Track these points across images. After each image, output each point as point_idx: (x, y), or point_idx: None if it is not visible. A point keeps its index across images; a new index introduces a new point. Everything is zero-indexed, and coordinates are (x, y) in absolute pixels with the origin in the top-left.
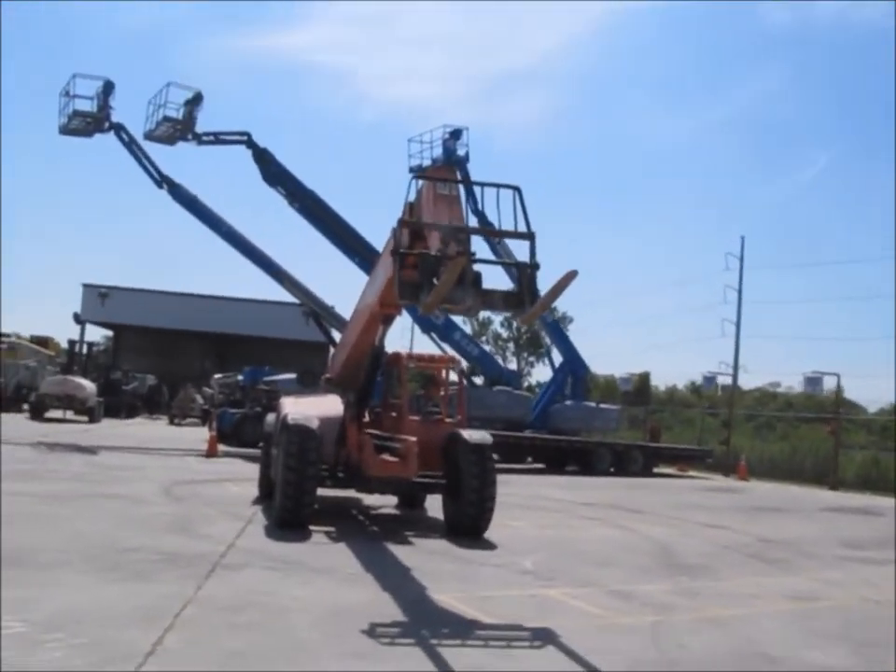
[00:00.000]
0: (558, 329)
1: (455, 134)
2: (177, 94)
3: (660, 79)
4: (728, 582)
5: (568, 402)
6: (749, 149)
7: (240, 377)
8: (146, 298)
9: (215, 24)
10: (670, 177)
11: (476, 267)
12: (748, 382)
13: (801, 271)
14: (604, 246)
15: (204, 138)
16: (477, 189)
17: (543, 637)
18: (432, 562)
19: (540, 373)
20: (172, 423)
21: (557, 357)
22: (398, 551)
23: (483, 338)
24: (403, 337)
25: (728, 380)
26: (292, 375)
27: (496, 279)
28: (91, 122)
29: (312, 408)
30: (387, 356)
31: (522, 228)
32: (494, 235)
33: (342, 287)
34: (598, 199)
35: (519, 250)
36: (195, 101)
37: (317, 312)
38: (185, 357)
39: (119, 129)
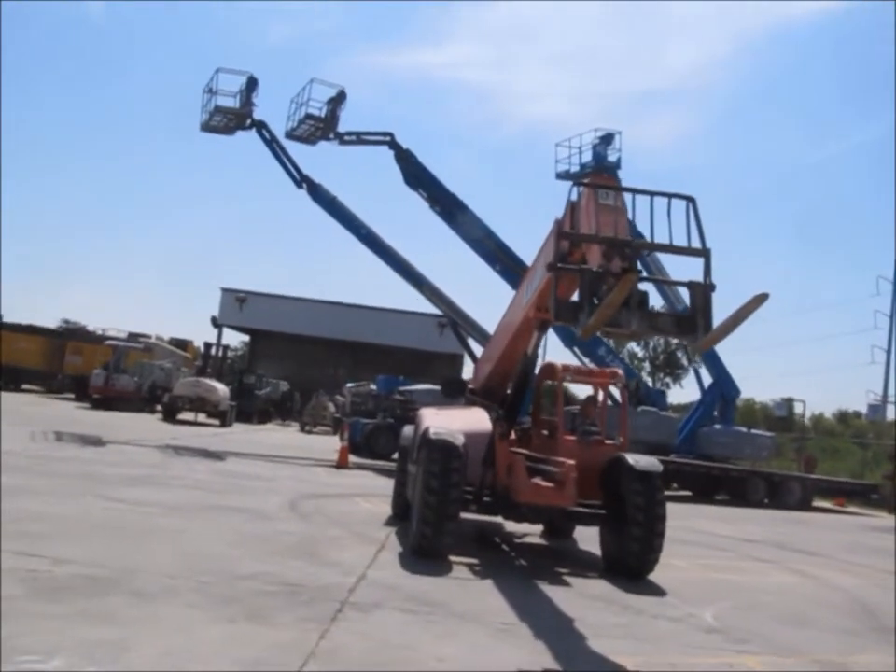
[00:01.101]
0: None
1: (607, 139)
2: (320, 92)
3: (797, 102)
4: None
5: (718, 426)
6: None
7: (373, 386)
8: (282, 304)
9: (358, 38)
10: (819, 198)
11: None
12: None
13: None
14: (746, 266)
15: (347, 138)
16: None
17: None
18: (595, 611)
19: (676, 396)
20: (303, 430)
21: (705, 379)
22: (553, 594)
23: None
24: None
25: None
26: (429, 386)
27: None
28: (233, 119)
29: (455, 422)
30: (541, 367)
31: (695, 243)
32: (665, 251)
33: (482, 296)
34: (736, 215)
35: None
36: (338, 99)
37: (456, 321)
38: (318, 364)
39: (261, 126)
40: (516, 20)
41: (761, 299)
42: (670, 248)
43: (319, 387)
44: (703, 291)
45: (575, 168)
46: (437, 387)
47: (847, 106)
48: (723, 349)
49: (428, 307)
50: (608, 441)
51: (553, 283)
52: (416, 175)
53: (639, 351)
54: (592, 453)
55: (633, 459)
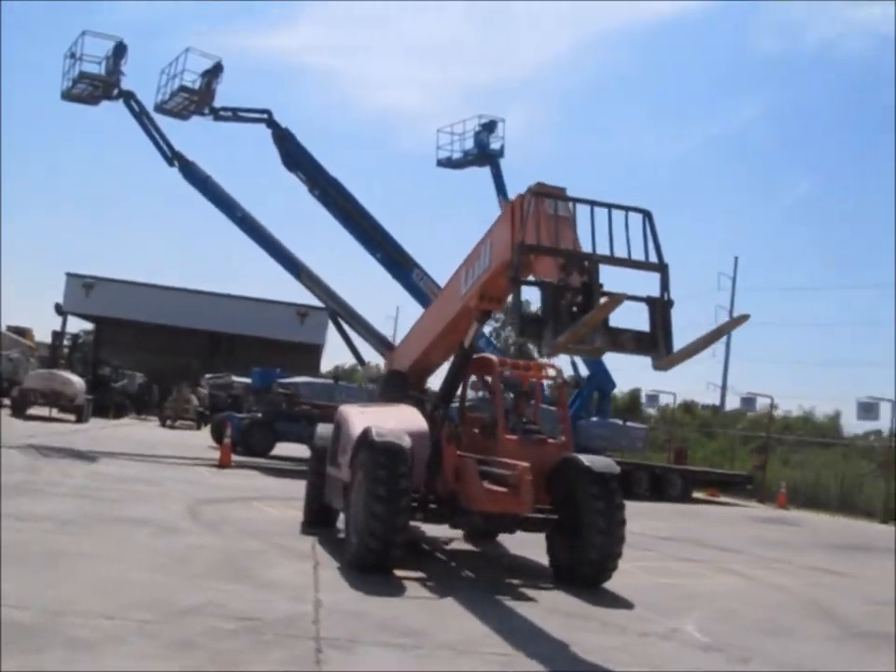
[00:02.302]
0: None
1: (490, 126)
2: (195, 63)
3: (649, 99)
4: None
5: (595, 419)
6: (739, 173)
7: (235, 378)
8: (132, 291)
9: (202, 22)
10: (668, 193)
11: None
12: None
13: (792, 294)
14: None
15: (222, 113)
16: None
17: None
18: (580, 631)
19: None
20: (164, 425)
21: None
22: (524, 611)
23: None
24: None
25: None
26: (310, 378)
27: None
28: (98, 87)
29: (388, 421)
30: (475, 360)
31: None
32: (623, 265)
33: (363, 285)
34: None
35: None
36: (214, 71)
37: (337, 311)
38: (171, 354)
39: (129, 97)
40: (367, 9)
41: (740, 320)
42: (628, 262)
43: (182, 380)
44: (662, 307)
45: (457, 155)
46: (319, 380)
47: (694, 103)
48: None
49: (290, 296)
50: (551, 441)
51: (516, 297)
52: (295, 156)
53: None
54: (537, 453)
55: (588, 460)
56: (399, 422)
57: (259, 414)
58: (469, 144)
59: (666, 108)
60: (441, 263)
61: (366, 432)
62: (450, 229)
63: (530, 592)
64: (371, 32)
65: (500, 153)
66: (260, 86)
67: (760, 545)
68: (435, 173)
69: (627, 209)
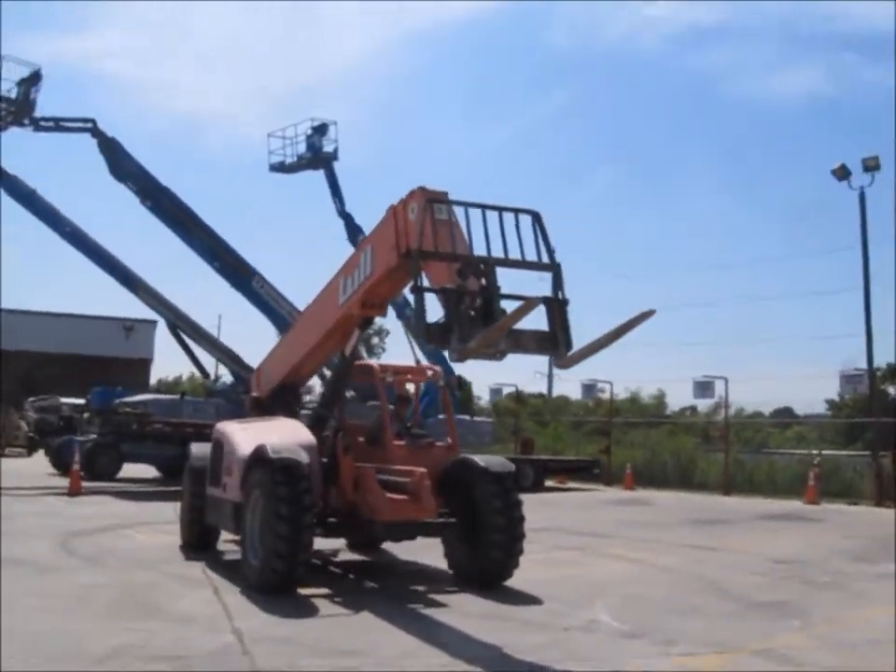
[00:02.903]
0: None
1: (321, 129)
2: (10, 72)
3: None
4: (846, 617)
5: (442, 416)
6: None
7: (64, 399)
8: None
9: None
10: (484, 186)
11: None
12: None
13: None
14: None
15: (43, 124)
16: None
17: None
18: (506, 632)
19: None
20: None
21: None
22: (443, 618)
23: None
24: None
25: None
26: (155, 395)
27: None
28: None
29: (272, 436)
30: (356, 368)
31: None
32: (516, 266)
33: (201, 297)
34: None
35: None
36: (33, 79)
37: (176, 324)
38: None
39: None
40: (167, 13)
41: (645, 315)
42: (522, 264)
43: (8, 404)
44: (559, 306)
45: (291, 159)
46: (165, 396)
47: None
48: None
49: (113, 310)
50: (438, 444)
51: (419, 304)
52: (124, 165)
53: None
54: (427, 457)
55: (484, 461)
56: (284, 436)
57: (102, 436)
58: (302, 148)
59: (475, 104)
60: (281, 269)
61: (260, 450)
62: (285, 233)
63: (438, 597)
64: (171, 35)
65: (334, 156)
66: (57, 94)
67: (627, 527)
68: (269, 178)
69: (517, 211)
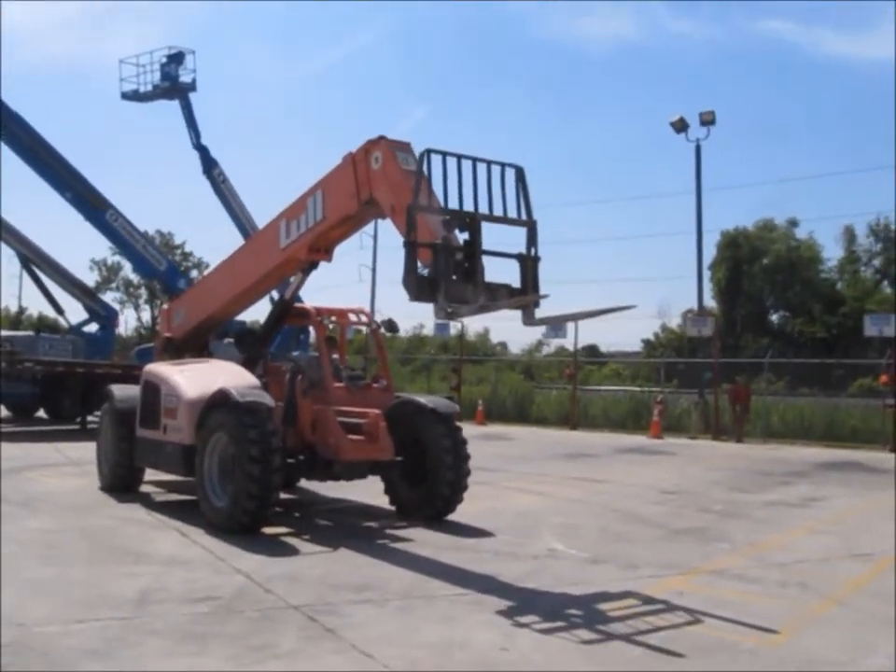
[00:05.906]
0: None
1: (178, 57)
2: None
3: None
4: (766, 536)
5: (296, 354)
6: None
7: None
8: None
9: None
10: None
11: None
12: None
13: None
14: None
15: None
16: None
17: None
18: (485, 562)
19: None
20: None
21: None
22: (418, 551)
23: (114, 284)
24: None
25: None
26: (13, 332)
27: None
28: None
29: (217, 379)
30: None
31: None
32: (498, 222)
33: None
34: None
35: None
36: None
37: (30, 258)
38: None
39: None
40: None
41: (625, 307)
42: (504, 220)
43: None
44: (532, 263)
45: (146, 87)
46: (21, 333)
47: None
48: None
49: None
50: (375, 385)
51: (410, 259)
52: None
53: (134, 278)
54: (366, 399)
55: (431, 402)
56: (227, 379)
57: None
58: (157, 77)
59: (292, 34)
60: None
61: (223, 392)
62: (138, 165)
63: (396, 532)
64: None
65: (192, 86)
66: None
67: (507, 462)
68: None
69: (503, 165)
